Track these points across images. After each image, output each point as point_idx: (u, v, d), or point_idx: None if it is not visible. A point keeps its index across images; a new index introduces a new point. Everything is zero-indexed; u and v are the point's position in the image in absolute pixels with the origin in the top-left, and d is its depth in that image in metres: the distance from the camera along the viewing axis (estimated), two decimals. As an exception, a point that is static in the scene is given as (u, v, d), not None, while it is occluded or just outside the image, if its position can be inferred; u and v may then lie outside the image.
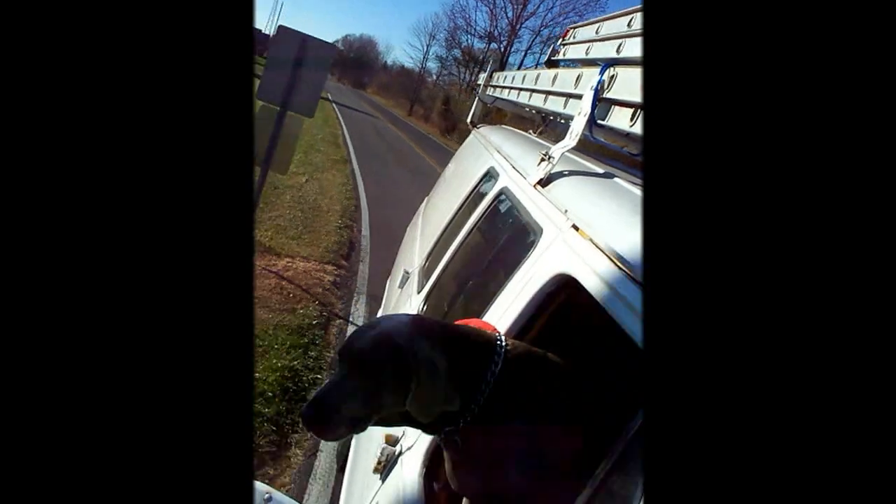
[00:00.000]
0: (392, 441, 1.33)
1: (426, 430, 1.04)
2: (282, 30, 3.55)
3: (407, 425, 1.04)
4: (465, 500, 1.12)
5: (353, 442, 1.89)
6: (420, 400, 0.94)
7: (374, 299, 4.17)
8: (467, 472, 1.03)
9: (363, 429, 0.98)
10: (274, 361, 3.03)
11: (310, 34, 3.56)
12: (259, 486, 1.10)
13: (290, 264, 4.44)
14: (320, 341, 3.51)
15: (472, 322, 1.18)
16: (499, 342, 1.04)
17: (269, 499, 1.06)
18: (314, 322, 3.67)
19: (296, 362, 3.12)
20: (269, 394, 2.78)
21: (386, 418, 0.99)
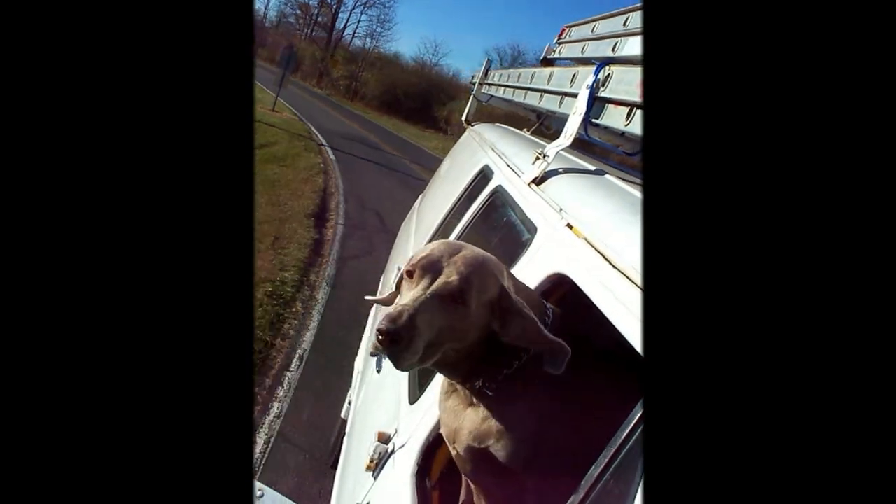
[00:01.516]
0: (384, 439, 1.33)
1: (462, 378, 0.94)
2: (289, 49, 14.97)
3: (444, 370, 0.95)
4: (462, 496, 1.12)
5: (346, 440, 1.89)
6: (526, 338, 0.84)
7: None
8: (508, 424, 0.91)
9: (426, 362, 0.86)
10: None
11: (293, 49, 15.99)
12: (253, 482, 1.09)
13: (285, 116, 13.59)
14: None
15: None
16: (546, 304, 0.99)
17: (262, 495, 1.06)
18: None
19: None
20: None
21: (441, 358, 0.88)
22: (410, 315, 0.81)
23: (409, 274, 0.89)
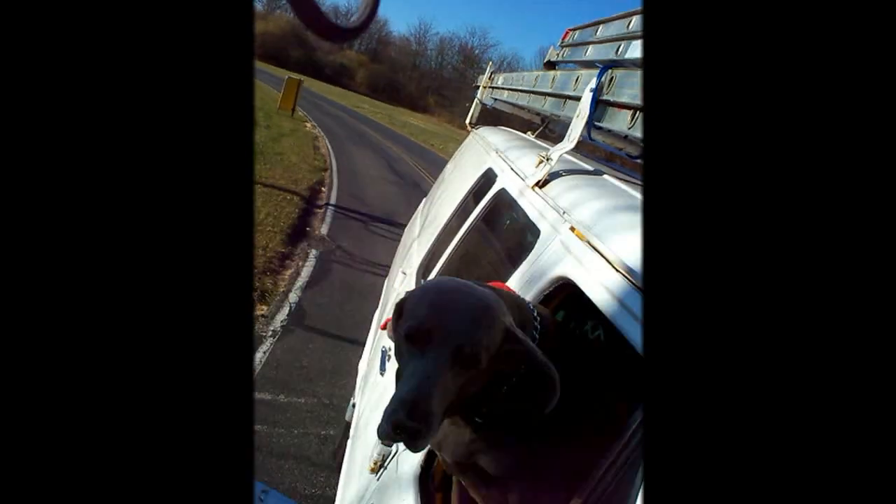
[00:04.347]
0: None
1: (452, 414, 0.86)
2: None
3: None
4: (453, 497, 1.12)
5: (349, 442, 1.89)
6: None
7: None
8: (496, 441, 0.88)
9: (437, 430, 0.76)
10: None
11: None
12: (256, 482, 1.09)
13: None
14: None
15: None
16: (531, 308, 0.93)
17: (265, 494, 1.06)
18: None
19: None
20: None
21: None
22: (427, 402, 0.71)
23: (409, 338, 0.78)
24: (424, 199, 3.47)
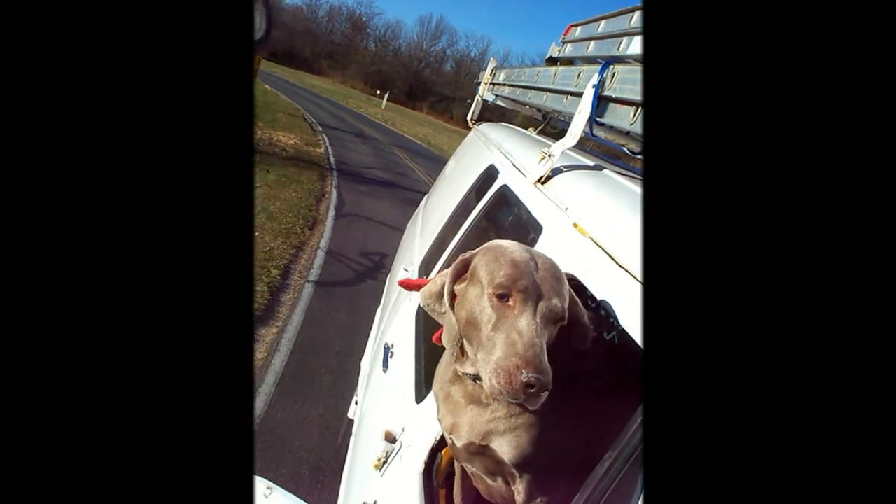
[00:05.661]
0: (391, 438, 1.34)
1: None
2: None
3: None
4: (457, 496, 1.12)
5: (352, 439, 1.90)
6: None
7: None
8: (514, 424, 0.90)
9: None
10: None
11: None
12: (259, 480, 1.10)
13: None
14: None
15: None
16: None
17: (270, 493, 1.06)
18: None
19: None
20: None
21: None
22: (543, 356, 0.74)
23: (502, 297, 0.81)
24: (426, 197, 3.47)
